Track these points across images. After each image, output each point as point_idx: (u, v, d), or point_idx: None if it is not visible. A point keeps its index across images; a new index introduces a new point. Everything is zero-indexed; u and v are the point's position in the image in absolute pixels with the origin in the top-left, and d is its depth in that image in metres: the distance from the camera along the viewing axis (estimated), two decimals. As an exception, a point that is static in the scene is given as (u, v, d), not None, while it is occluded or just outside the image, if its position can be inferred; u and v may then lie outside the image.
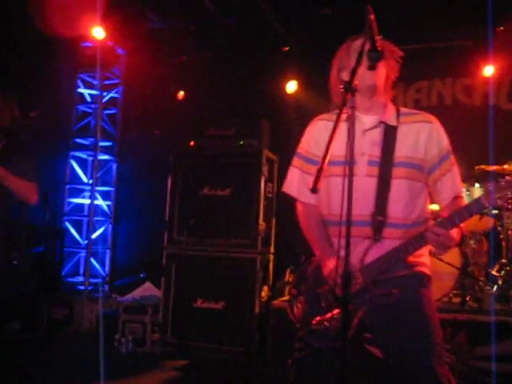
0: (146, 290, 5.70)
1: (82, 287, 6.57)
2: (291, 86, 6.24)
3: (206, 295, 5.19)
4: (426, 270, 2.29)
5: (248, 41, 6.11)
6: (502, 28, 5.39)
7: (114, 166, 7.12)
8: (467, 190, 4.66)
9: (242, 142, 5.37)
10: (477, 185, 4.71)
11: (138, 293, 5.68)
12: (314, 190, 1.80)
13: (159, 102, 6.42)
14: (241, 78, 6.29)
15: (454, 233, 2.11)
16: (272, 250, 5.52)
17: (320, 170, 1.83)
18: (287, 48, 6.23)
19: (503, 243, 4.82)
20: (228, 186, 5.28)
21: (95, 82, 7.05)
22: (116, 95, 7.18)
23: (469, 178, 4.76)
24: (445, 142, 2.32)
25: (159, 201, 5.64)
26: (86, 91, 7.14)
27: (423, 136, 2.28)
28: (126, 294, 5.77)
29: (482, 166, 4.71)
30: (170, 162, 5.54)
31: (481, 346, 3.90)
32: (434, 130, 2.30)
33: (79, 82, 7.11)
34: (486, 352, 3.86)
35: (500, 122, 5.26)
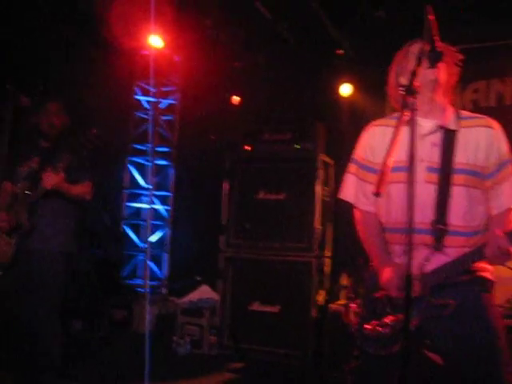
0: (203, 292, 5.78)
1: (140, 289, 6.72)
2: (346, 89, 6.20)
3: (262, 298, 5.22)
4: (489, 275, 2.23)
5: (302, 44, 6.10)
6: None
7: (172, 171, 7.26)
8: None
9: (297, 146, 5.39)
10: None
11: (195, 295, 5.77)
12: (378, 195, 1.79)
13: (215, 108, 6.50)
14: (295, 81, 6.29)
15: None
16: (328, 253, 5.50)
17: (383, 174, 1.81)
18: (341, 51, 6.19)
19: None
20: (284, 190, 5.30)
21: (152, 89, 7.21)
22: (173, 101, 7.32)
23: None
24: (505, 148, 2.24)
25: (216, 205, 5.71)
26: (143, 98, 7.31)
27: (483, 141, 2.21)
28: (184, 296, 5.87)
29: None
30: (226, 167, 5.61)
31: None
32: (494, 136, 2.23)
33: (137, 90, 7.29)
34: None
35: None
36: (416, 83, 1.96)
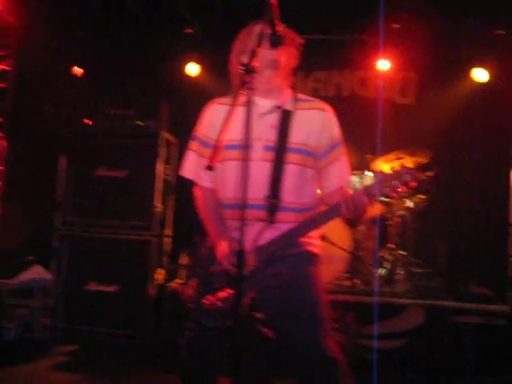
0: (35, 273, 5.47)
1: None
2: (193, 69, 6.21)
3: (99, 278, 5.08)
4: (315, 250, 2.37)
5: (150, 21, 5.97)
6: (397, 26, 5.62)
7: (4, 144, 6.73)
8: (360, 178, 4.88)
9: (139, 123, 5.28)
10: (368, 173, 4.94)
11: (25, 276, 5.43)
12: (210, 168, 1.81)
13: (54, 78, 6.13)
14: (142, 58, 6.14)
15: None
16: (168, 232, 5.49)
17: (216, 148, 1.83)
18: (190, 30, 6.15)
19: (391, 229, 5.10)
20: (125, 167, 5.18)
21: (-17, 53, 6.60)
22: (7, 68, 6.76)
23: (360, 167, 5.00)
24: (336, 131, 2.39)
25: (51, 181, 5.42)
26: (-28, 62, 6.67)
27: (316, 123, 2.33)
28: (13, 277, 5.51)
29: (371, 156, 4.96)
30: (63, 141, 5.35)
31: (367, 325, 4.12)
32: (327, 119, 2.37)
33: (-35, 52, 6.63)
34: (371, 331, 4.08)
35: (392, 115, 5.51)
36: (255, 63, 1.99)
